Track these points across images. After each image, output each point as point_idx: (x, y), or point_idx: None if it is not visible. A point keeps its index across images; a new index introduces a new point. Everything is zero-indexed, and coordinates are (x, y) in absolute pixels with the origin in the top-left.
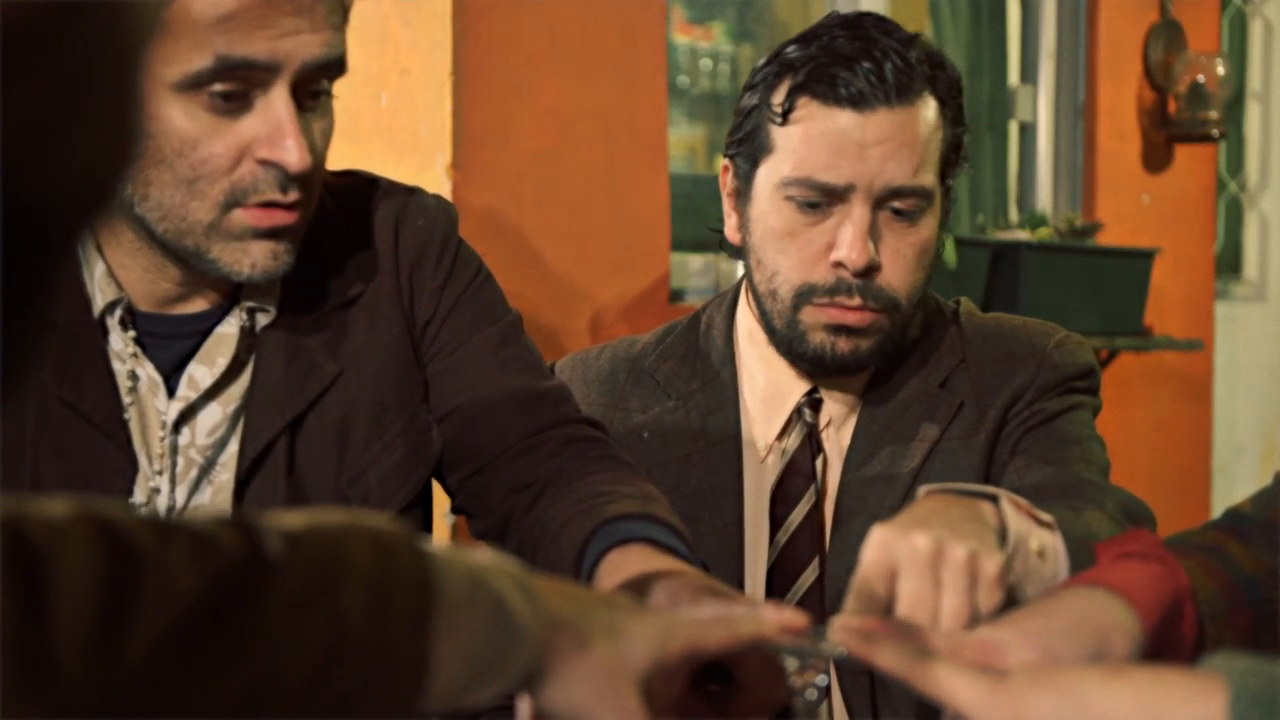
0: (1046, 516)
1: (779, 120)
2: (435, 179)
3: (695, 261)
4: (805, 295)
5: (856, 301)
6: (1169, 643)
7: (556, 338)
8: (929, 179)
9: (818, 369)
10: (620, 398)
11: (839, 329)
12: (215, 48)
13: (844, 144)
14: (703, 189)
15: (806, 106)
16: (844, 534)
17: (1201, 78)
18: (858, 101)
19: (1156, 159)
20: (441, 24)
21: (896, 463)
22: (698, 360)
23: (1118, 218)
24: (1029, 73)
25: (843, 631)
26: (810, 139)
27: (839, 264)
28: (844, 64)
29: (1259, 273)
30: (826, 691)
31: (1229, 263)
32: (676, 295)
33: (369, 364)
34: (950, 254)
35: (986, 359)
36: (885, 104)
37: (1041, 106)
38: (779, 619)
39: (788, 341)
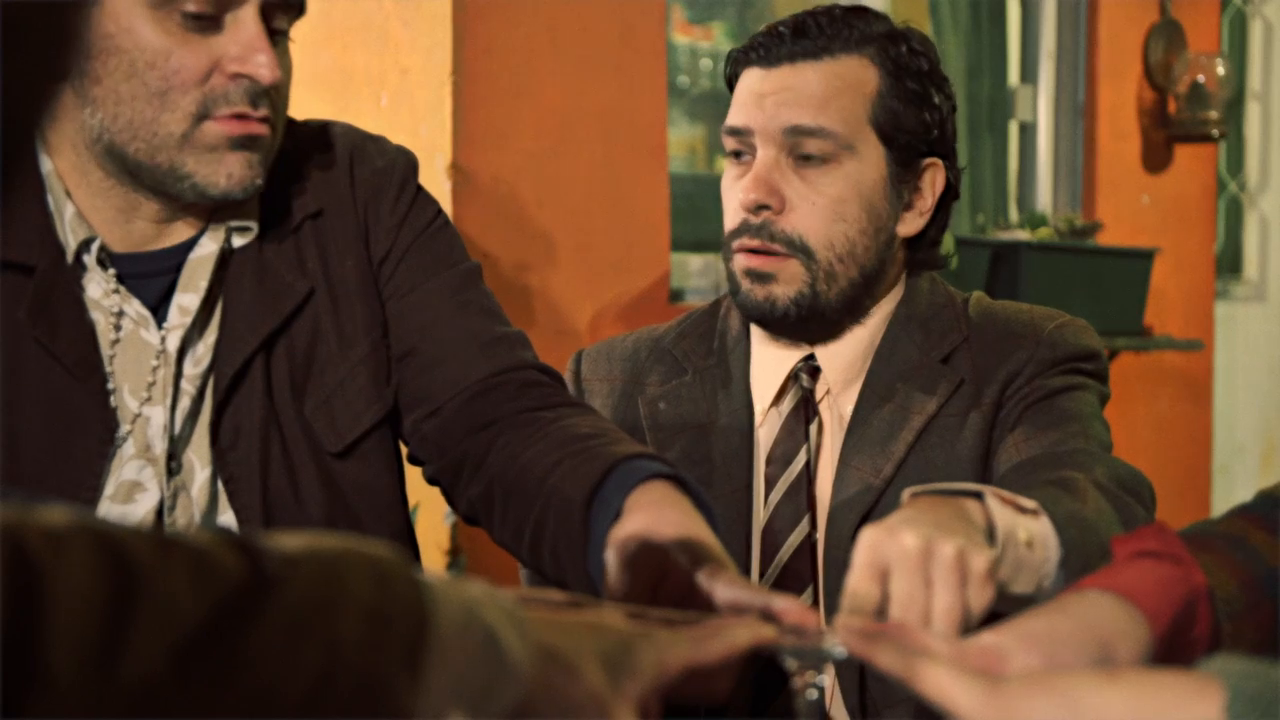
0: (1030, 503)
1: (730, 90)
2: (435, 179)
3: (695, 261)
4: (728, 244)
5: (756, 243)
6: (1180, 647)
7: (556, 337)
8: (836, 124)
9: (751, 318)
10: (641, 373)
11: (753, 275)
12: None
13: (749, 95)
14: (703, 189)
15: (740, 73)
16: (839, 501)
17: (1201, 78)
18: (764, 59)
19: (1156, 159)
20: (441, 24)
21: (894, 433)
22: (714, 339)
23: (1118, 218)
24: (1029, 73)
25: (844, 631)
26: (737, 95)
27: (743, 206)
28: (769, 31)
29: (1259, 273)
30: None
31: (1229, 263)
32: (676, 295)
33: (334, 288)
34: (950, 254)
35: (989, 338)
36: (789, 61)
37: (1041, 106)
38: (798, 617)
39: (733, 294)
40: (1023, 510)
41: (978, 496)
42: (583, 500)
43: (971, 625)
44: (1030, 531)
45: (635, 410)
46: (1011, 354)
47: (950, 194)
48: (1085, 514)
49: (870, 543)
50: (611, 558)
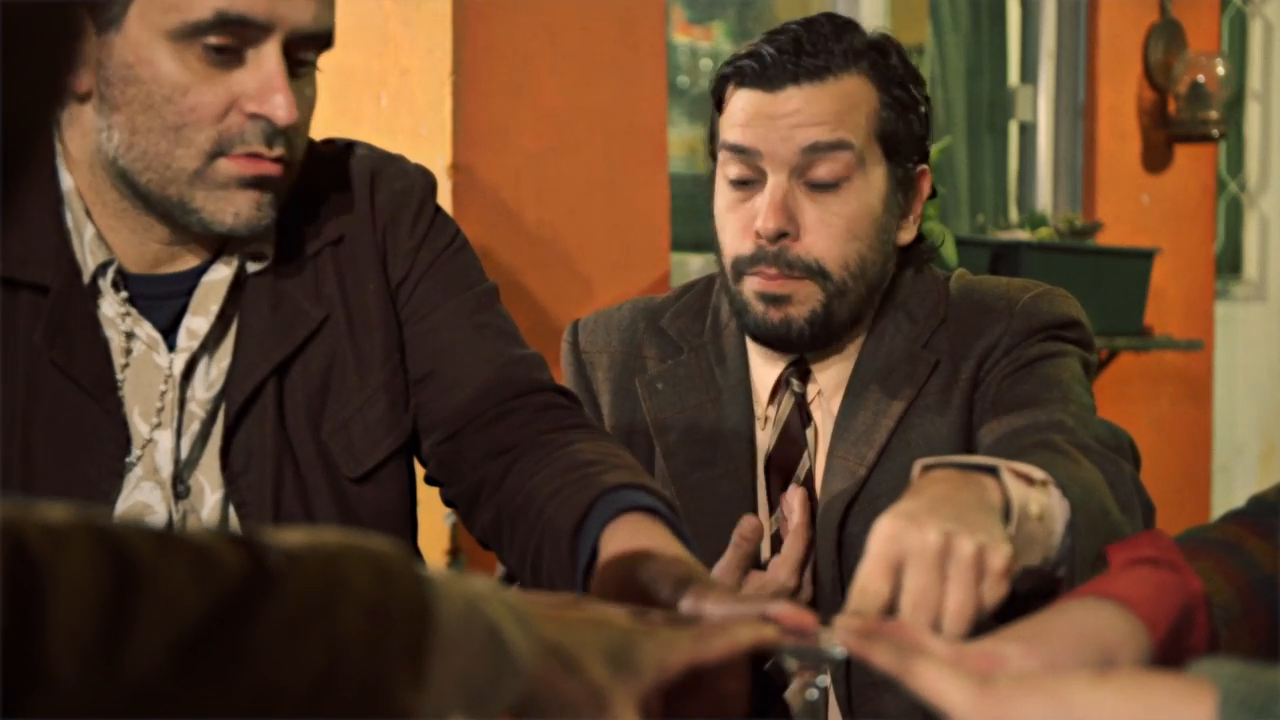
0: (1040, 474)
1: (719, 111)
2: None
3: (695, 261)
4: (739, 268)
5: (774, 271)
6: (1177, 654)
7: (556, 338)
8: (852, 137)
9: (760, 340)
10: (638, 346)
11: (768, 298)
12: (214, 2)
13: (756, 116)
14: (703, 189)
15: (733, 92)
16: (828, 496)
17: (1201, 78)
18: (764, 82)
19: (1156, 159)
20: (441, 24)
21: (878, 422)
22: (709, 316)
23: (1118, 218)
24: (1029, 73)
25: (842, 631)
26: (733, 114)
27: (759, 234)
28: (762, 52)
29: (1259, 273)
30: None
31: (1229, 263)
32: None
33: (351, 314)
34: (950, 254)
35: (965, 316)
36: (794, 83)
37: (1041, 106)
38: (795, 620)
39: (739, 314)
40: (1033, 482)
41: (992, 470)
42: (570, 530)
43: (982, 620)
44: (1041, 505)
45: (635, 385)
46: (987, 329)
47: (929, 194)
48: (1082, 475)
49: (889, 533)
50: (594, 594)
